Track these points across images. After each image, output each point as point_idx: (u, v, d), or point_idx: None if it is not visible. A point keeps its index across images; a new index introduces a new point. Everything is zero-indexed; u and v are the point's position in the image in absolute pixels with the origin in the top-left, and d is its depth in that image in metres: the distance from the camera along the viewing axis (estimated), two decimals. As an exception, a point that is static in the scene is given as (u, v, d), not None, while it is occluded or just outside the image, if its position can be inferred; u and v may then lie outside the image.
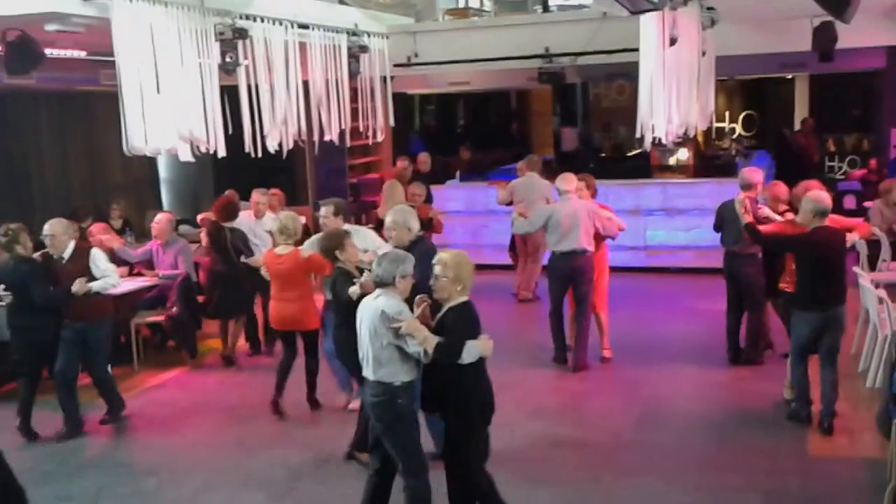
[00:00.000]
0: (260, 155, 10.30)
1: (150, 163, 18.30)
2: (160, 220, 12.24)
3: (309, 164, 18.94)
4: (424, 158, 16.62)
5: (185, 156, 9.57)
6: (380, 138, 13.58)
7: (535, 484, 7.39)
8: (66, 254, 9.28)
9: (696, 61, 11.87)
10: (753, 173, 10.61)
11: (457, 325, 6.40)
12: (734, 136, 25.11)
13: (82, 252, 9.42)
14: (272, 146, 10.63)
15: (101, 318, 9.55)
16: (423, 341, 6.25)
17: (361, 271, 8.08)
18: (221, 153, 9.71)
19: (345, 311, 7.82)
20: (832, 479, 7.77)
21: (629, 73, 12.23)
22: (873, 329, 10.13)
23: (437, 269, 6.46)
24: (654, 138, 10.64)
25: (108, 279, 9.43)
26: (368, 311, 6.47)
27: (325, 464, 8.53)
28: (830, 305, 8.68)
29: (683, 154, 18.49)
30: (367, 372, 6.51)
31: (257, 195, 12.27)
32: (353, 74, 12.50)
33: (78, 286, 9.05)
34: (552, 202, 12.37)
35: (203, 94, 9.62)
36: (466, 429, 6.53)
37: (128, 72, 9.00)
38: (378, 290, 6.52)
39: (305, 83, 11.51)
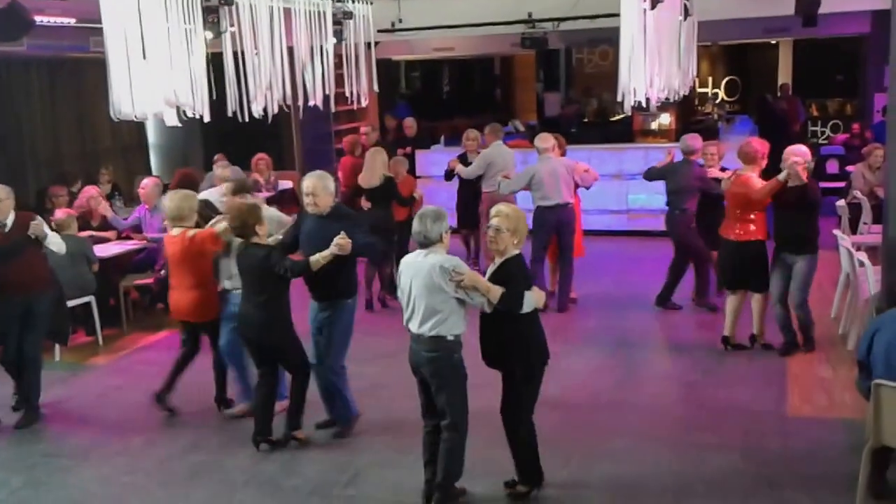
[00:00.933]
0: (246, 120, 10.33)
1: (138, 128, 18.44)
2: (146, 185, 12.31)
3: (295, 129, 18.97)
4: (410, 123, 16.67)
5: (172, 120, 9.57)
6: (364, 104, 13.58)
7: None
8: (9, 221, 8.85)
9: (677, 25, 11.88)
10: (695, 139, 11.82)
11: (517, 275, 6.67)
12: (716, 102, 25.22)
13: (25, 220, 8.94)
14: (257, 111, 10.64)
15: (45, 288, 9.13)
16: (488, 291, 6.52)
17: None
18: (207, 118, 9.74)
19: (275, 287, 7.82)
20: (811, 438, 7.87)
21: (612, 39, 12.25)
22: (853, 293, 10.25)
23: (496, 222, 6.71)
24: (634, 102, 10.70)
25: (55, 242, 9.20)
26: (421, 269, 6.65)
27: (309, 427, 8.54)
28: None
29: (666, 119, 18.56)
30: (422, 329, 6.68)
31: (220, 169, 12.07)
32: (338, 40, 12.48)
33: (35, 228, 8.78)
34: (515, 168, 13.24)
35: (189, 60, 9.62)
36: (529, 377, 6.84)
37: (114, 38, 9.00)
38: (424, 249, 6.71)
39: (290, 49, 11.51)
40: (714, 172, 11.32)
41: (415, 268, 6.71)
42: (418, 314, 6.68)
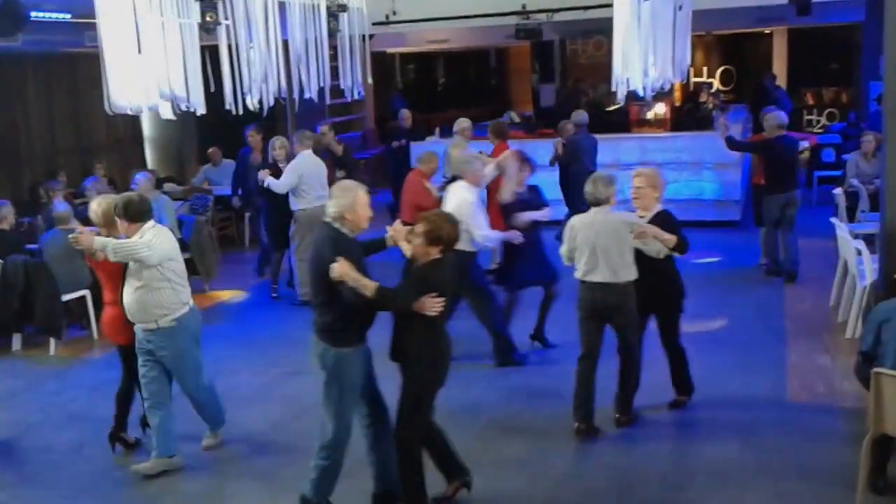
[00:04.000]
0: (241, 113, 10.31)
1: (133, 122, 18.46)
2: (140, 182, 12.27)
3: (290, 122, 18.97)
4: (407, 115, 16.65)
5: (167, 114, 9.56)
6: (358, 96, 13.55)
7: (510, 433, 7.48)
8: None
9: (671, 15, 11.85)
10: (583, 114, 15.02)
11: (676, 222, 7.78)
12: (712, 91, 25.18)
13: None
14: (253, 104, 10.60)
15: None
16: (666, 241, 7.51)
17: None
18: (201, 111, 9.71)
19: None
20: (811, 427, 7.86)
21: (606, 29, 12.25)
22: (852, 280, 10.22)
23: (636, 182, 7.87)
24: (628, 92, 10.68)
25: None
26: (606, 225, 7.57)
27: (304, 417, 8.59)
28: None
29: (661, 108, 18.51)
30: (615, 277, 7.57)
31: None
32: (333, 33, 12.43)
33: None
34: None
35: (183, 53, 9.60)
36: (681, 306, 8.19)
37: (109, 32, 8.98)
38: (596, 208, 7.61)
39: (285, 42, 11.48)
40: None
41: (598, 225, 7.58)
42: (605, 266, 7.55)
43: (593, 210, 7.66)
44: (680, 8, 11.65)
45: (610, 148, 16.08)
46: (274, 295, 12.95)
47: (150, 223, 7.46)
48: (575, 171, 13.91)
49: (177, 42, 9.30)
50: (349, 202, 6.34)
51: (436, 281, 6.30)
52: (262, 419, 8.68)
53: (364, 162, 21.27)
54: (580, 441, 7.75)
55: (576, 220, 7.81)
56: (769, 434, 7.79)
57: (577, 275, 7.75)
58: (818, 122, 23.46)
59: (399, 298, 6.26)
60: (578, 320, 7.87)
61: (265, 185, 12.26)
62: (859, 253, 9.89)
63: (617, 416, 8.01)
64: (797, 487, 6.88)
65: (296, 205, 12.17)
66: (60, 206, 11.40)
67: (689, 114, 18.63)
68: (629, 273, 7.61)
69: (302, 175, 12.08)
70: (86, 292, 11.15)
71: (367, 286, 6.10)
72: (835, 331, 10.24)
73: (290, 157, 12.54)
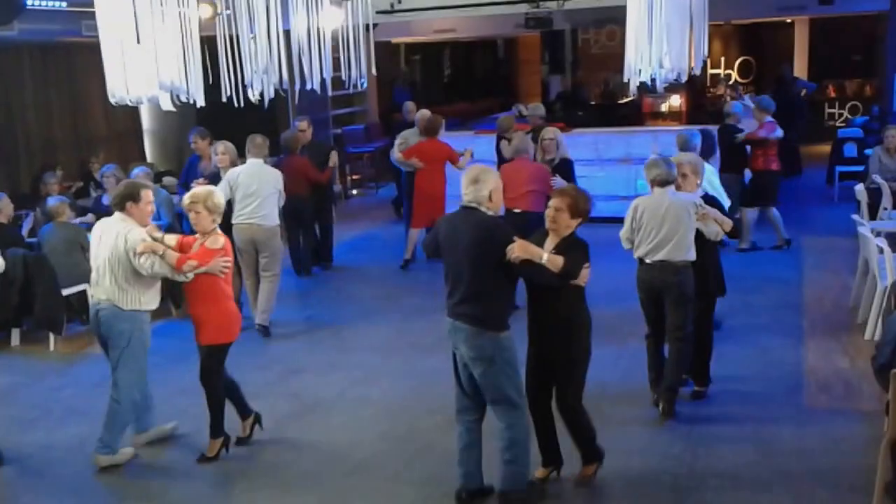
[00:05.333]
0: (242, 104, 10.16)
1: (133, 114, 18.50)
2: (137, 177, 12.14)
3: (292, 114, 18.86)
4: (411, 108, 16.51)
5: (166, 105, 9.43)
6: (361, 88, 13.39)
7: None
8: None
9: (688, 3, 11.66)
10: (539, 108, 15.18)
11: (721, 207, 8.16)
12: (729, 83, 24.92)
13: None
14: (254, 96, 10.45)
15: None
16: (724, 225, 7.91)
17: None
18: (200, 103, 9.57)
19: None
20: (827, 431, 7.72)
21: (619, 18, 12.07)
22: (872, 280, 10.02)
23: (682, 169, 8.03)
24: (640, 83, 10.50)
25: None
26: (672, 205, 7.78)
27: (311, 413, 8.69)
28: None
29: (676, 101, 18.31)
30: (673, 256, 7.79)
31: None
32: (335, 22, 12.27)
33: None
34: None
35: (183, 44, 9.48)
36: (723, 290, 8.52)
37: (107, 21, 8.85)
38: (661, 189, 7.84)
39: (287, 32, 11.34)
40: None
41: (666, 205, 7.78)
42: (667, 244, 7.78)
43: (658, 191, 7.87)
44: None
45: (622, 141, 15.87)
46: None
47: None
48: None
49: (176, 32, 9.19)
50: (495, 182, 6.43)
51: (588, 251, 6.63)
52: (267, 415, 8.55)
53: (368, 155, 21.31)
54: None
55: (640, 200, 8.02)
56: (785, 436, 7.68)
57: (638, 254, 8.02)
58: (840, 115, 23.21)
59: (575, 270, 6.43)
60: (640, 301, 8.25)
61: None
62: (881, 251, 9.70)
63: (662, 407, 8.09)
64: (813, 491, 6.77)
65: (236, 217, 11.06)
66: (52, 200, 11.32)
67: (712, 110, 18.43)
68: (690, 253, 7.83)
69: (234, 187, 11.00)
70: (86, 287, 10.97)
71: (555, 260, 6.27)
72: (854, 331, 10.05)
73: (235, 164, 11.47)
